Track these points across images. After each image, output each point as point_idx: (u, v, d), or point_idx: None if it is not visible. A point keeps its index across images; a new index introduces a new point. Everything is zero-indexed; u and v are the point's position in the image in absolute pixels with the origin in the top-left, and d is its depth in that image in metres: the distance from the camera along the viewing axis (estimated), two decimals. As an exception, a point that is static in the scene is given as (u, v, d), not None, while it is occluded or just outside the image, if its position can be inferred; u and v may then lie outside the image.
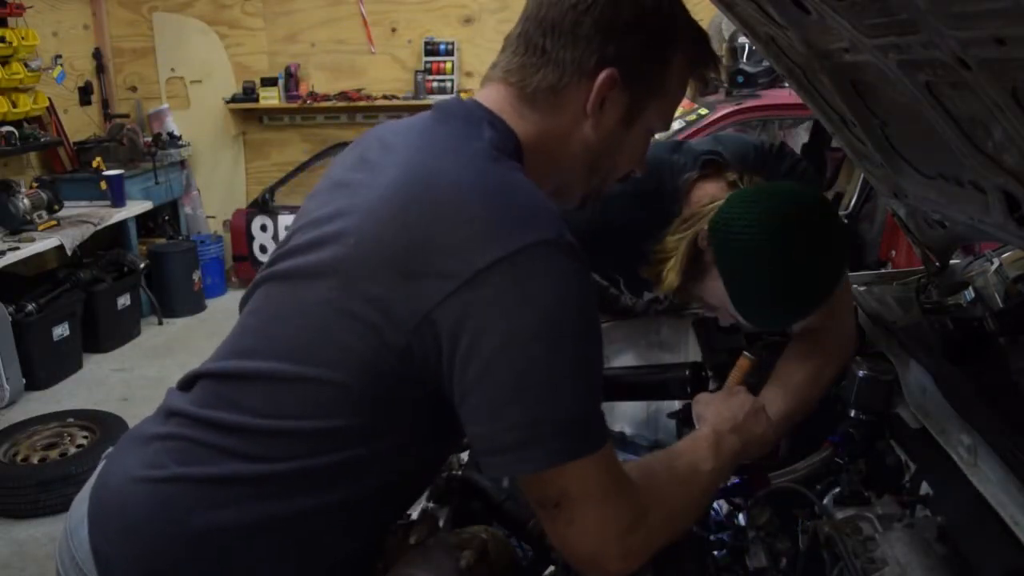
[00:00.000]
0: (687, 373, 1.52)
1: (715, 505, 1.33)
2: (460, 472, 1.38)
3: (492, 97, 1.07)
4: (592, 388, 0.93)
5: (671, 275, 1.40)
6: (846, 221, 3.59)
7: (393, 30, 5.93)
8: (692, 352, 1.86)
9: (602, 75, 1.02)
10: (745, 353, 1.36)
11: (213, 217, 6.21)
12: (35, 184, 4.64)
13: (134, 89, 6.06)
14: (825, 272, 1.29)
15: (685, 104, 4.35)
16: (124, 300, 5.06)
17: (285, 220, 5.90)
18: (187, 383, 1.06)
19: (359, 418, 0.95)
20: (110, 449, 1.10)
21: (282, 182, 6.09)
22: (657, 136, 1.21)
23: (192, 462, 0.97)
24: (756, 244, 1.24)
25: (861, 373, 1.39)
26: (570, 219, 0.97)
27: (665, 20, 1.06)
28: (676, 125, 4.10)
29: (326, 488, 0.97)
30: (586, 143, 1.07)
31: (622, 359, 1.88)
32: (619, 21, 1.02)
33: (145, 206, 5.31)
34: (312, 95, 5.91)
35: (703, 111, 4.14)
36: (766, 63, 4.12)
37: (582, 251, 0.93)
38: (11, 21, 4.74)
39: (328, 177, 1.11)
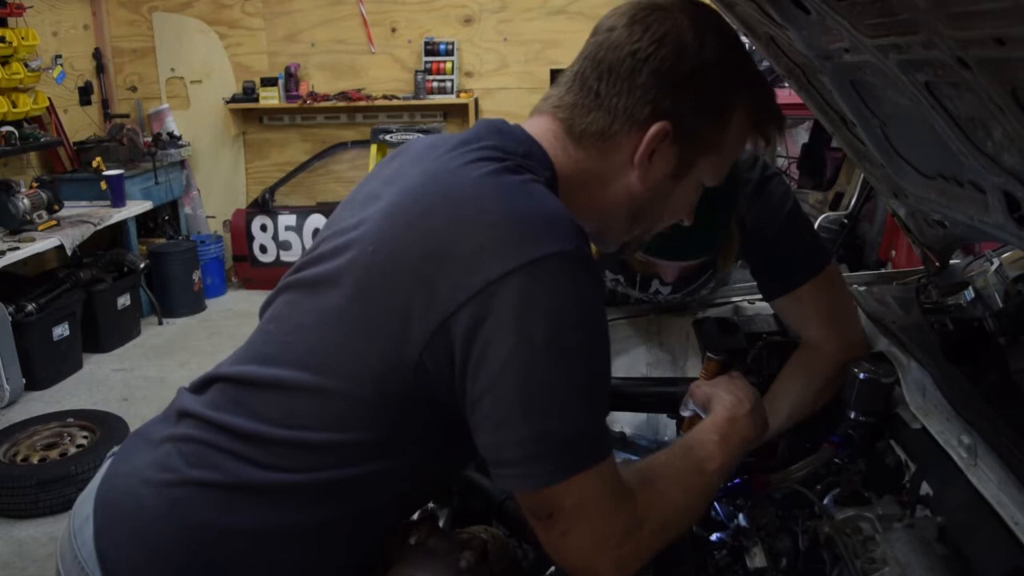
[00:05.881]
0: None
1: (715, 505, 1.33)
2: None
3: (538, 127, 1.05)
4: (598, 401, 0.92)
5: None
6: (845, 221, 3.58)
7: (393, 30, 5.93)
8: (692, 352, 1.86)
9: (654, 128, 0.99)
10: (709, 355, 1.36)
11: (213, 217, 6.20)
12: (35, 184, 4.64)
13: (134, 89, 6.06)
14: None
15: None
16: (124, 300, 5.06)
17: (285, 220, 5.91)
18: (201, 385, 1.05)
19: (373, 432, 0.94)
20: (115, 448, 1.09)
21: (282, 182, 6.09)
22: None
23: (205, 466, 0.96)
24: None
25: (861, 376, 1.38)
26: None
27: (728, 75, 1.02)
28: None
29: (340, 500, 0.96)
30: (630, 191, 1.04)
31: (622, 359, 1.88)
32: (678, 74, 0.98)
33: (145, 206, 5.31)
34: (312, 95, 5.90)
35: (703, 111, 4.13)
36: (766, 63, 4.11)
37: (593, 259, 0.91)
38: (11, 21, 4.74)
39: (363, 188, 1.10)
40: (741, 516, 1.29)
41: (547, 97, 1.07)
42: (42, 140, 4.96)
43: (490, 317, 0.85)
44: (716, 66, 1.00)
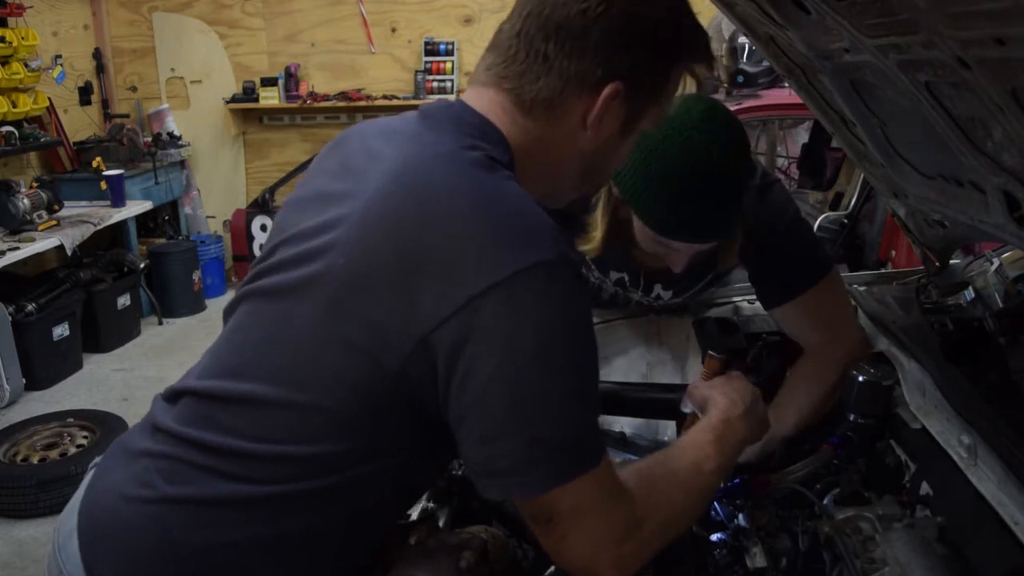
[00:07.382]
0: None
1: (715, 505, 1.33)
2: (460, 472, 1.38)
3: (483, 101, 1.01)
4: (588, 406, 0.91)
5: (596, 230, 1.47)
6: (845, 221, 3.58)
7: (393, 30, 5.93)
8: (692, 351, 1.86)
9: (608, 89, 0.97)
10: (711, 353, 1.35)
11: (213, 217, 6.21)
12: (35, 184, 4.63)
13: (134, 89, 6.05)
14: (709, 166, 1.30)
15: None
16: (124, 300, 5.06)
17: (285, 220, 5.89)
18: (173, 396, 1.03)
19: (351, 443, 0.93)
20: (98, 459, 1.08)
21: (282, 182, 6.08)
22: None
23: (181, 482, 0.95)
24: (641, 146, 1.27)
25: (860, 378, 1.38)
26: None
27: (674, 29, 1.01)
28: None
29: (320, 510, 0.95)
30: (582, 152, 1.03)
31: (622, 360, 1.88)
32: (629, 32, 0.96)
33: (145, 206, 5.31)
34: (312, 95, 5.91)
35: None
36: (766, 63, 4.11)
37: (578, 264, 0.91)
38: (11, 21, 4.73)
39: (308, 186, 1.06)
40: (741, 516, 1.29)
41: (489, 66, 1.02)
42: (42, 140, 4.95)
43: (475, 332, 0.84)
44: (664, 21, 1.00)
